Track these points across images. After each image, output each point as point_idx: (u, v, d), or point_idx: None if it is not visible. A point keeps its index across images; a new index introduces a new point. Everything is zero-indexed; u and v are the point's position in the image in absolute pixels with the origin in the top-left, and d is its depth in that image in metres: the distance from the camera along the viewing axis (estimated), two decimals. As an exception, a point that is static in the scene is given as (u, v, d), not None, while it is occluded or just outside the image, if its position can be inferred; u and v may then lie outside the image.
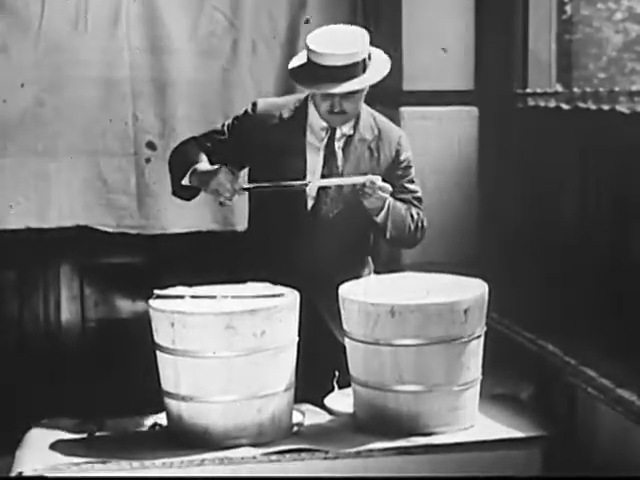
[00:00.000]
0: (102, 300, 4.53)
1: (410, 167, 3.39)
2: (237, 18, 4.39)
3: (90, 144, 4.35)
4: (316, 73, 3.13)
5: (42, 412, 3.29)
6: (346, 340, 3.10)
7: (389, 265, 4.02)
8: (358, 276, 3.32)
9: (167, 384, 2.99)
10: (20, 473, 2.83)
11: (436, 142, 4.30)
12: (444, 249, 4.10)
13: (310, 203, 3.29)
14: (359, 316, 3.00)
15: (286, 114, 3.32)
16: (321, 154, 3.29)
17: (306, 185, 3.20)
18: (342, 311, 3.08)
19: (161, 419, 3.11)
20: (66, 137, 4.33)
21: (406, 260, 4.20)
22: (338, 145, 3.30)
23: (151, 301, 3.02)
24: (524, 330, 3.66)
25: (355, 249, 3.39)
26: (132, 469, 2.83)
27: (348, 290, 3.09)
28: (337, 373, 3.26)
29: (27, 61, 4.26)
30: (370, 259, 3.48)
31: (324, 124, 3.27)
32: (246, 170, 3.37)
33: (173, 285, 3.15)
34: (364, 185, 3.13)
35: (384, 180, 3.17)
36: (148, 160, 4.39)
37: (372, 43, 3.25)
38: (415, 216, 3.34)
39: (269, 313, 2.91)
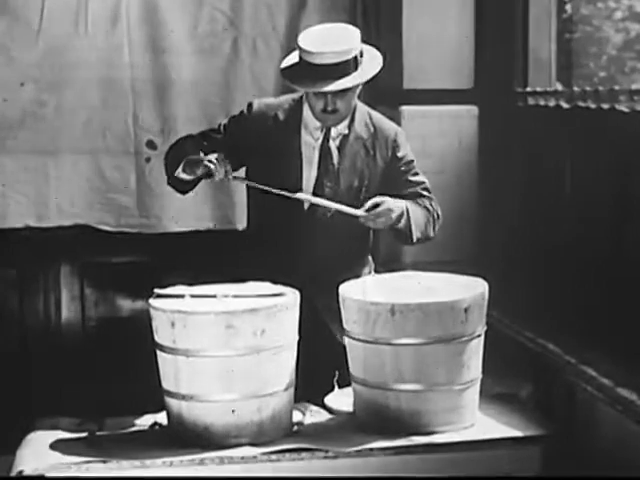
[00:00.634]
0: (102, 299, 4.53)
1: (411, 161, 3.36)
2: (237, 17, 4.39)
3: (90, 143, 4.35)
4: (308, 72, 3.12)
5: (42, 411, 3.30)
6: (346, 339, 3.10)
7: (389, 264, 4.02)
8: (358, 275, 3.31)
9: (167, 383, 2.99)
10: (21, 472, 2.83)
11: (436, 141, 4.31)
12: (444, 248, 4.10)
13: (306, 203, 3.28)
14: (359, 315, 3.00)
15: (281, 114, 3.31)
16: (317, 153, 3.28)
17: (296, 198, 3.19)
18: (342, 310, 3.08)
19: (161, 418, 3.11)
20: (66, 136, 4.33)
21: (406, 259, 4.20)
22: (334, 144, 3.29)
23: (151, 300, 3.02)
24: (524, 329, 3.66)
25: (355, 248, 3.38)
26: (132, 468, 2.83)
27: (348, 289, 3.08)
28: (337, 372, 3.26)
29: (27, 60, 4.25)
30: (370, 258, 3.48)
31: (319, 123, 3.27)
32: (244, 170, 3.36)
33: (173, 284, 3.15)
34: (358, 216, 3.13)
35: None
36: (148, 159, 4.39)
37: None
38: (430, 208, 3.33)
39: (269, 312, 2.91)
